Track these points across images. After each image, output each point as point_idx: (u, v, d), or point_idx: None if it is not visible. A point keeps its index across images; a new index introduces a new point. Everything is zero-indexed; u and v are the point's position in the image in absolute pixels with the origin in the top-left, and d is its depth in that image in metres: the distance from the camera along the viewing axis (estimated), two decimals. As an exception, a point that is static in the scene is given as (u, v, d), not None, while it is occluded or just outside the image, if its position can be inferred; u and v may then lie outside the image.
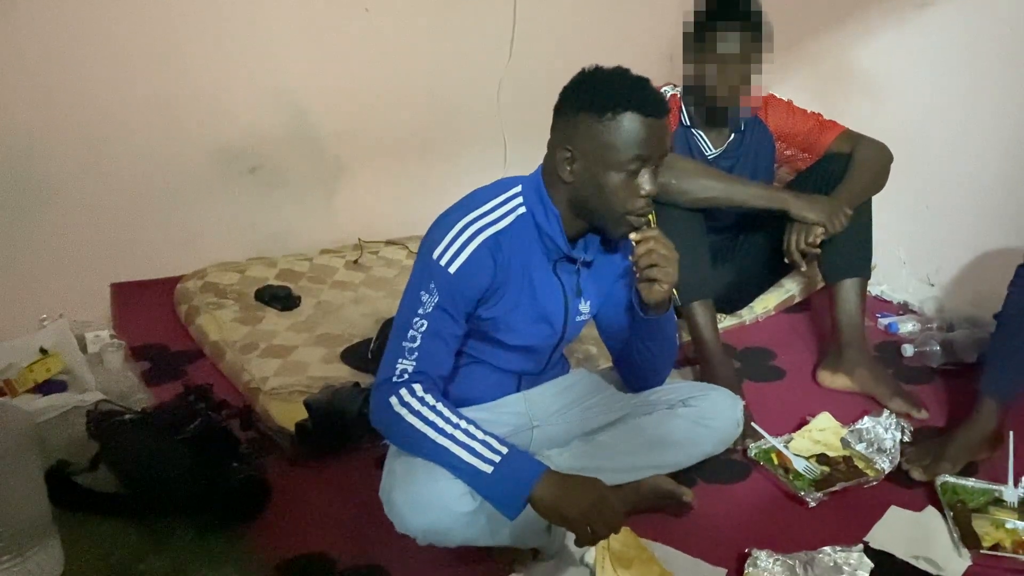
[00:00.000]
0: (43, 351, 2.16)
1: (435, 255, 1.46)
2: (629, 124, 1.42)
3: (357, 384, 1.92)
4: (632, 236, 1.48)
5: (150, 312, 2.50)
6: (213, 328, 2.33)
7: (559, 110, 1.49)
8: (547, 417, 1.69)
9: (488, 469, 1.37)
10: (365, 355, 2.12)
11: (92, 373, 2.17)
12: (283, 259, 2.75)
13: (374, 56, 2.79)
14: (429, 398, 1.42)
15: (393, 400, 1.42)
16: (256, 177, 2.73)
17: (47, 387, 2.09)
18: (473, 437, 1.40)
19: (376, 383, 1.48)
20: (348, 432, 1.83)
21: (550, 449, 1.69)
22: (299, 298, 2.53)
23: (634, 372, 1.75)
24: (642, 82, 1.47)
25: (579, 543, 1.38)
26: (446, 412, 1.42)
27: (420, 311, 1.46)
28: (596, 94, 1.44)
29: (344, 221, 2.90)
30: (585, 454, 1.68)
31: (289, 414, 1.90)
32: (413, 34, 2.84)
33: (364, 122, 2.82)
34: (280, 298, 2.49)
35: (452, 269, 1.45)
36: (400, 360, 1.45)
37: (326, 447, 1.85)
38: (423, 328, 1.46)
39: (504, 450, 1.38)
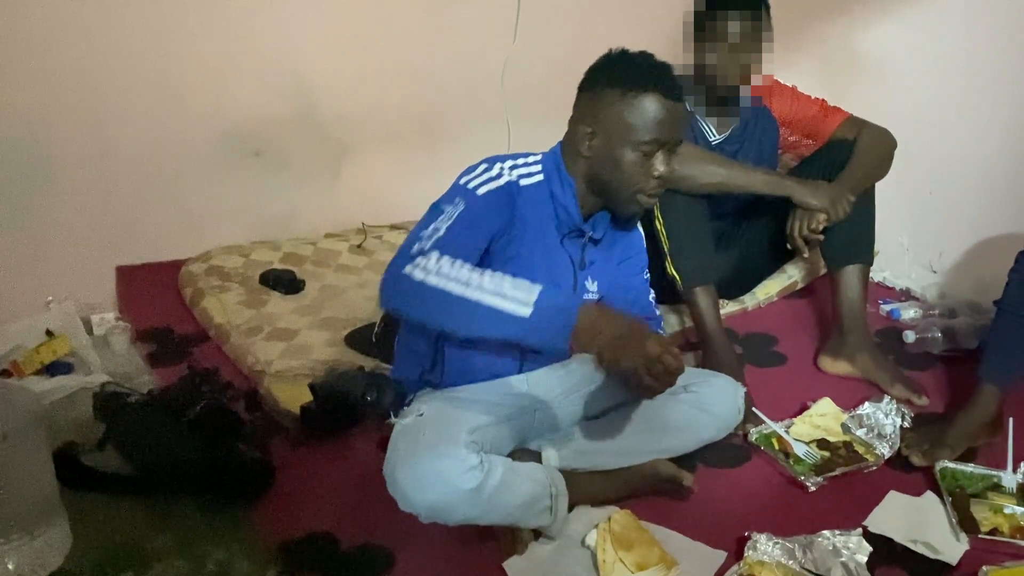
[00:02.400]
0: (49, 333, 2.17)
1: (462, 182, 1.50)
2: (651, 104, 1.48)
3: (361, 367, 1.94)
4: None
5: (155, 295, 2.51)
6: (218, 311, 2.34)
7: (583, 87, 1.55)
8: (549, 400, 1.70)
9: (527, 312, 1.31)
10: (369, 339, 2.13)
11: (98, 355, 2.19)
12: (287, 243, 2.76)
13: (379, 39, 2.78)
14: (446, 259, 1.36)
15: (408, 268, 1.35)
16: (261, 160, 2.73)
17: (53, 369, 2.10)
18: (502, 282, 1.34)
19: (390, 263, 1.41)
20: (352, 414, 1.84)
21: (553, 432, 1.70)
22: (303, 282, 2.54)
23: None
24: (666, 66, 1.53)
25: (632, 387, 1.34)
26: (467, 267, 1.35)
27: (443, 216, 1.44)
28: (622, 72, 1.51)
29: (348, 205, 2.91)
30: (587, 438, 1.69)
31: (294, 396, 1.91)
32: (418, 17, 2.83)
33: (369, 106, 2.82)
34: (284, 281, 2.50)
35: (480, 192, 1.48)
36: (417, 243, 1.40)
37: (330, 429, 1.86)
38: (447, 224, 1.43)
39: (537, 288, 1.34)
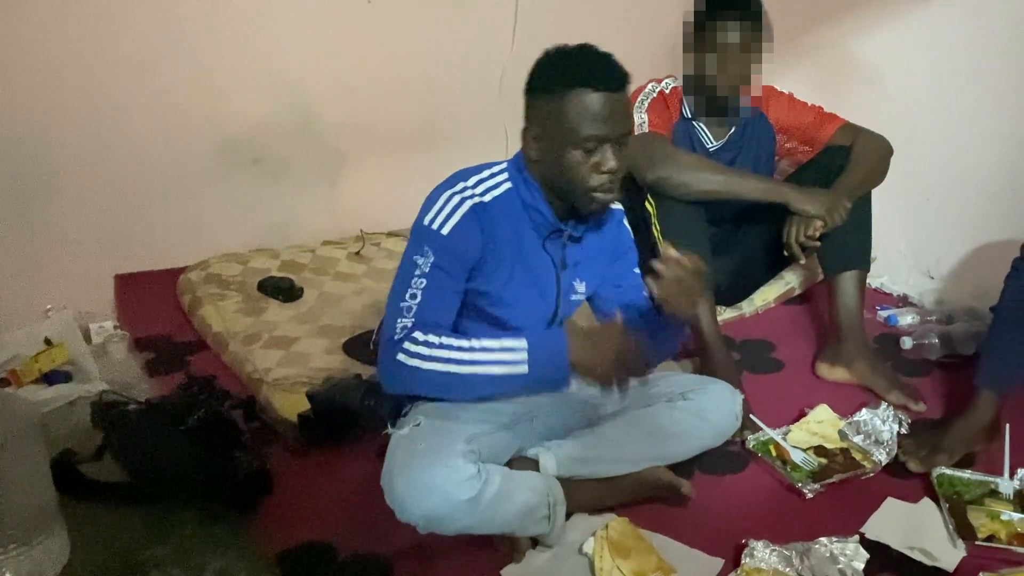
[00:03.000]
0: (48, 342, 2.18)
1: (426, 222, 1.49)
2: (583, 101, 1.43)
3: (359, 376, 1.94)
4: (656, 265, 1.47)
5: (154, 303, 2.51)
6: (216, 319, 2.34)
7: (525, 91, 1.52)
8: (546, 407, 1.70)
9: (524, 369, 1.43)
10: (367, 346, 2.14)
11: (96, 364, 2.19)
12: (285, 250, 2.77)
13: (376, 47, 2.79)
14: (432, 338, 1.43)
15: (401, 357, 1.43)
16: (259, 168, 2.74)
17: (52, 377, 2.11)
18: (492, 350, 1.43)
19: (381, 348, 1.49)
20: (350, 423, 1.85)
21: (550, 440, 1.70)
22: (301, 289, 2.54)
23: None
24: (596, 57, 1.47)
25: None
26: (455, 342, 1.43)
27: (417, 272, 1.47)
28: (554, 71, 1.47)
29: (346, 212, 2.91)
30: (585, 446, 1.68)
31: (291, 405, 1.92)
32: (415, 25, 2.84)
33: (366, 113, 2.83)
34: (283, 289, 2.50)
35: (445, 231, 1.48)
36: (400, 319, 1.46)
37: (328, 438, 1.86)
38: (422, 286, 1.47)
39: (524, 343, 1.43)
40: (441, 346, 1.42)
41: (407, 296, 1.46)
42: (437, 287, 1.47)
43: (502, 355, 1.42)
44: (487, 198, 1.52)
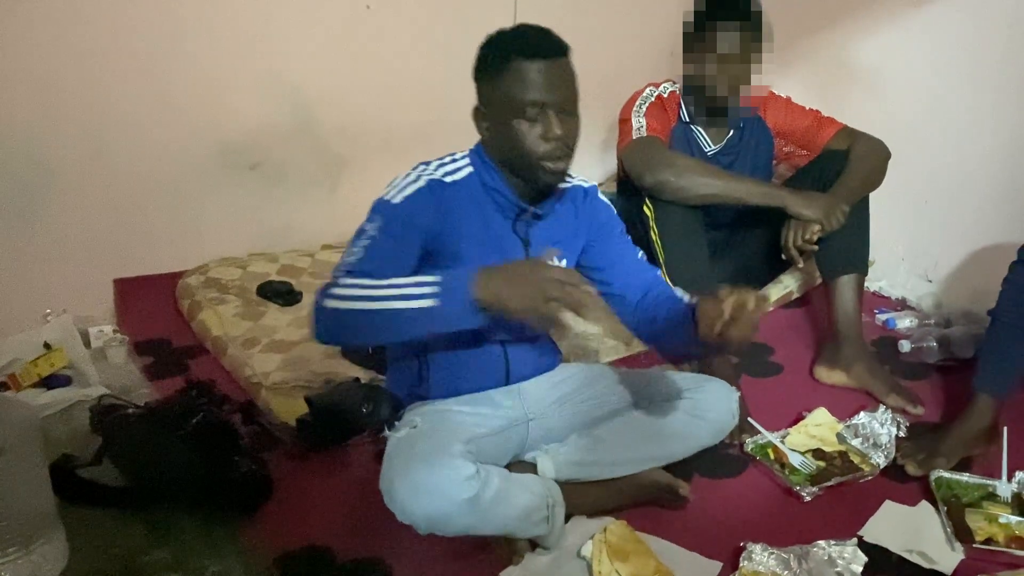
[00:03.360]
0: (47, 346, 2.18)
1: (381, 195, 1.52)
2: (517, 69, 1.47)
3: (357, 379, 1.94)
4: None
5: (153, 307, 2.51)
6: (215, 323, 2.35)
7: (473, 76, 1.56)
8: (542, 410, 1.71)
9: (432, 303, 1.34)
10: (365, 350, 2.14)
11: (95, 368, 2.19)
12: (284, 255, 2.77)
13: (375, 52, 2.80)
14: (347, 279, 1.39)
15: (325, 301, 1.38)
16: (258, 173, 2.74)
17: (51, 381, 2.11)
18: (403, 285, 1.36)
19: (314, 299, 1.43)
20: (348, 427, 1.85)
21: (548, 443, 1.71)
22: (300, 293, 2.54)
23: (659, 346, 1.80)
24: (531, 29, 1.52)
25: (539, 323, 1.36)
26: (369, 281, 1.38)
27: (362, 238, 1.46)
28: (487, 51, 1.52)
29: (345, 217, 2.88)
30: (583, 448, 1.69)
31: (290, 409, 1.92)
32: (414, 30, 2.85)
33: (365, 118, 2.83)
34: (282, 293, 2.51)
35: (396, 200, 1.49)
36: (335, 271, 1.43)
37: (327, 441, 1.86)
38: (364, 244, 1.45)
39: (435, 278, 1.36)
40: (356, 285, 1.38)
41: (347, 256, 1.45)
42: (378, 247, 1.45)
43: (412, 289, 1.35)
44: (446, 180, 1.55)
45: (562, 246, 1.67)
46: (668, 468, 1.73)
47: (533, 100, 1.47)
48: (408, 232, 1.48)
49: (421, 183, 1.52)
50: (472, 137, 1.60)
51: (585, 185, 1.71)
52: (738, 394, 1.82)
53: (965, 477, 1.78)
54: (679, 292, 1.68)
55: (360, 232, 1.48)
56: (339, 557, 1.58)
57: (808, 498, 1.74)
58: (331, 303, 1.37)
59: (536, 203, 1.59)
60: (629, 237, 1.77)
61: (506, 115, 1.49)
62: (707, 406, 1.74)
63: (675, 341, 1.68)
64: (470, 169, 1.57)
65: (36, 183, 2.38)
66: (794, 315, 2.60)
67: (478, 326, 1.37)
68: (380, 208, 1.50)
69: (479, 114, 1.56)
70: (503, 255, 1.56)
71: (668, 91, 2.26)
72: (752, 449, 1.89)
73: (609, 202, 1.76)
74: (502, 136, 1.52)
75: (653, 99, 2.23)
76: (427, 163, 1.58)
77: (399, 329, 1.37)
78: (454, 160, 1.59)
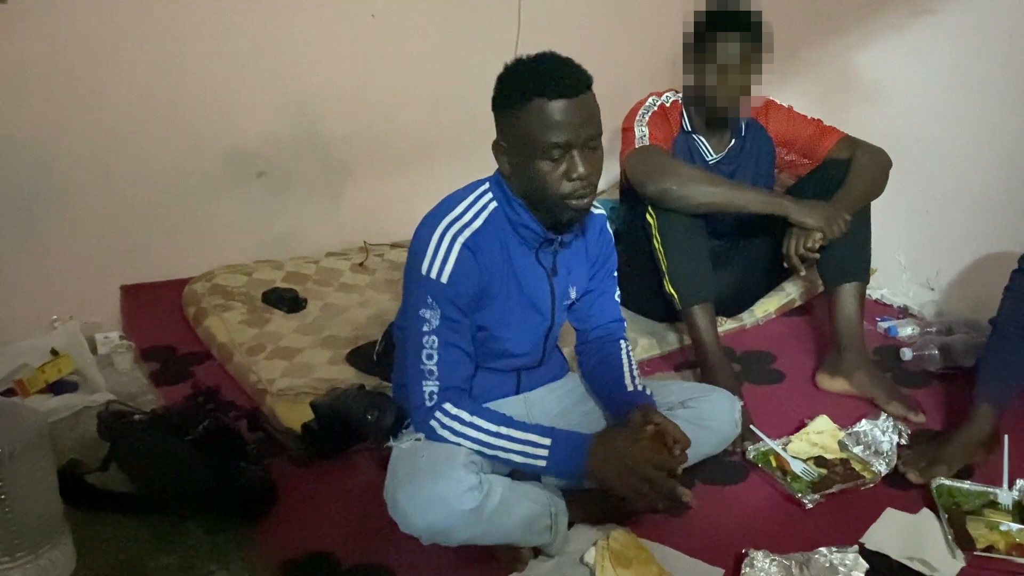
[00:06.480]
0: (54, 352, 2.19)
1: (423, 270, 1.49)
2: (538, 110, 1.42)
3: (362, 386, 1.95)
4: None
5: (159, 314, 2.53)
6: (221, 330, 2.36)
7: (492, 107, 1.52)
8: (548, 420, 1.71)
9: (543, 464, 1.48)
10: (370, 357, 2.15)
11: (102, 374, 2.20)
12: (290, 262, 2.78)
13: (380, 61, 2.81)
14: (463, 414, 1.50)
15: (434, 425, 1.50)
16: (264, 181, 2.76)
17: (58, 387, 2.12)
18: (516, 440, 1.49)
19: (412, 409, 1.55)
20: (353, 433, 1.85)
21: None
22: (305, 300, 2.56)
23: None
24: (552, 65, 1.46)
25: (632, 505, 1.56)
26: (483, 424, 1.49)
27: (426, 328, 1.50)
28: (509, 85, 1.47)
29: (350, 224, 2.93)
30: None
31: (295, 415, 1.93)
32: (418, 39, 2.86)
33: (370, 126, 2.85)
34: (287, 300, 2.52)
35: (444, 279, 1.49)
36: (424, 383, 1.51)
37: (332, 448, 1.87)
38: (435, 344, 1.50)
39: (547, 441, 1.48)
40: (471, 425, 1.49)
41: (424, 357, 1.50)
42: (451, 343, 1.51)
43: (525, 447, 1.48)
44: (477, 223, 1.53)
45: (579, 273, 1.69)
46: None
47: (556, 142, 1.43)
48: (463, 310, 1.52)
49: (458, 249, 1.49)
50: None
51: (596, 212, 1.71)
52: (741, 404, 1.83)
53: (966, 485, 1.78)
54: (626, 366, 1.75)
55: (419, 320, 1.51)
56: (344, 563, 1.59)
57: (810, 505, 1.74)
58: (443, 432, 1.50)
59: (559, 233, 1.60)
60: (616, 275, 1.80)
61: (528, 154, 1.45)
62: (710, 415, 1.75)
63: (603, 395, 1.77)
64: (494, 205, 1.56)
65: (44, 191, 2.40)
66: (796, 323, 2.61)
67: (577, 485, 1.56)
68: (430, 289, 1.49)
69: (500, 148, 1.52)
70: (528, 290, 1.60)
71: (671, 100, 2.27)
72: (754, 456, 1.89)
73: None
74: (524, 174, 1.49)
75: (656, 108, 2.24)
76: (452, 203, 1.54)
77: (508, 466, 1.52)
78: (477, 199, 1.56)
